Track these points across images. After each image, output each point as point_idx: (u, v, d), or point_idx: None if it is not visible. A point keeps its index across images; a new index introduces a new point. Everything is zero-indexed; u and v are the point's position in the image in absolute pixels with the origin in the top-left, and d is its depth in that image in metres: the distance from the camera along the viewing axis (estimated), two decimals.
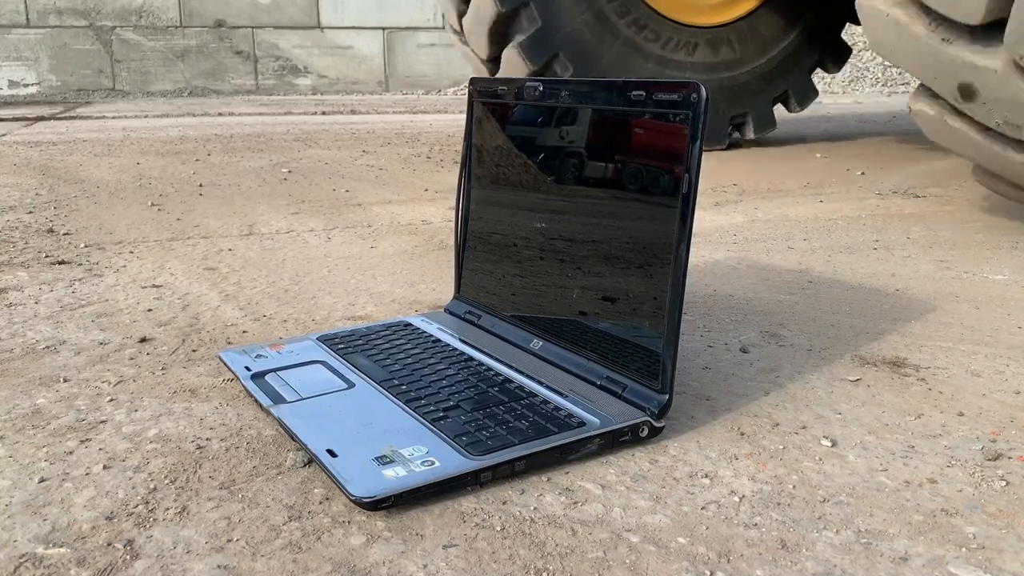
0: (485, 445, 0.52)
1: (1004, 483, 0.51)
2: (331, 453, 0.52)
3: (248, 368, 0.66)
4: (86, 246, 1.18)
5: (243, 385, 0.64)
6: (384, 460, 0.51)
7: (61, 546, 0.45)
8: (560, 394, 0.59)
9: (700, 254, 1.13)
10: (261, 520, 0.48)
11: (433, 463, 0.50)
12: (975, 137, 1.11)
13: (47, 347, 0.76)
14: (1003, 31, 0.98)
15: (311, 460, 0.53)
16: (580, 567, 0.43)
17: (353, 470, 0.49)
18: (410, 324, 0.76)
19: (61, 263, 1.08)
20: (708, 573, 0.42)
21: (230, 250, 1.16)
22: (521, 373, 0.63)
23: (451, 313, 0.78)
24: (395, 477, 0.48)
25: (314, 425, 0.56)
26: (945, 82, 1.09)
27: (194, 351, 0.75)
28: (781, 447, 0.56)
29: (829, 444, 0.57)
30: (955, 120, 1.13)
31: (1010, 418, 0.60)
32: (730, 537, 0.46)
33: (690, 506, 0.49)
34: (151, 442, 0.57)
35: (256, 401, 0.62)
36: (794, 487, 0.51)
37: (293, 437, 0.55)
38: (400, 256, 1.13)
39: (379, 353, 0.68)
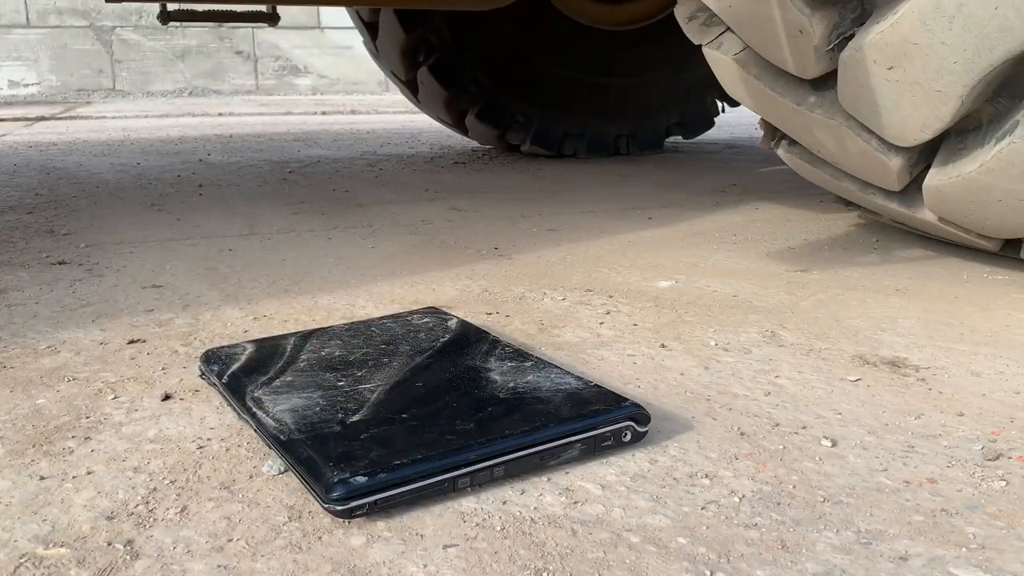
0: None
1: (1004, 483, 0.51)
2: None
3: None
4: (86, 246, 1.18)
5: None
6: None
7: (61, 546, 0.45)
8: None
9: (700, 254, 1.13)
10: (261, 520, 0.48)
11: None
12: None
13: (47, 347, 0.76)
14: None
15: None
16: (580, 567, 0.43)
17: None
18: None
19: (61, 263, 1.08)
20: (708, 573, 0.42)
21: (230, 250, 1.16)
22: None
23: None
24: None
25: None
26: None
27: (195, 351, 0.75)
28: (781, 447, 0.56)
29: (829, 444, 0.57)
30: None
31: (1010, 418, 0.61)
32: (730, 537, 0.46)
33: (690, 506, 0.49)
34: (151, 442, 0.57)
35: None
36: (794, 487, 0.51)
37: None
38: (400, 256, 1.13)
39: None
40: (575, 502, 0.49)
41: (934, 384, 0.67)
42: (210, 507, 0.49)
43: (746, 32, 1.01)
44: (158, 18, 1.86)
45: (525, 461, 0.52)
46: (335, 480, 0.47)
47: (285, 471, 0.53)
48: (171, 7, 1.83)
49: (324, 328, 0.75)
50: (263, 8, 1.98)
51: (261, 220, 1.39)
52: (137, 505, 0.49)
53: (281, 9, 2.03)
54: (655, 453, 0.55)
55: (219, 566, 0.43)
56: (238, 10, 1.98)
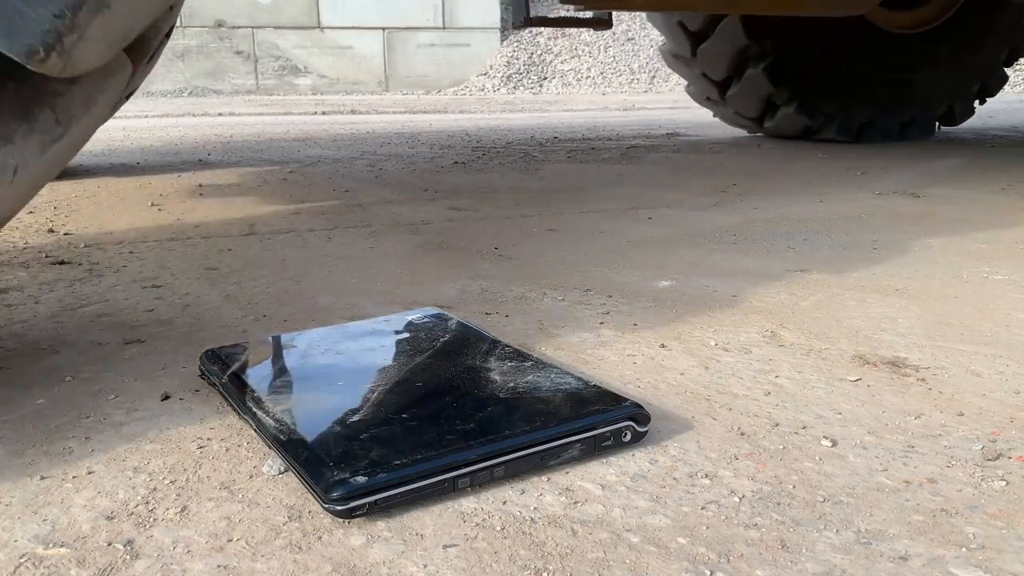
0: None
1: (1004, 483, 0.51)
2: None
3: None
4: (86, 246, 1.18)
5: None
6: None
7: (61, 546, 0.45)
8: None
9: (700, 254, 1.13)
10: (261, 520, 0.48)
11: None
12: None
13: (47, 347, 0.76)
14: None
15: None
16: (580, 567, 0.43)
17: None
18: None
19: (61, 263, 1.08)
20: (708, 573, 0.42)
21: (230, 250, 1.16)
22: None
23: None
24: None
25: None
26: None
27: (195, 351, 0.75)
28: (781, 447, 0.56)
29: (829, 444, 0.57)
30: None
31: (1010, 418, 0.61)
32: (730, 537, 0.46)
33: (690, 506, 0.49)
34: (151, 442, 0.57)
35: None
36: (794, 487, 0.51)
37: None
38: (400, 256, 1.13)
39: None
40: (575, 502, 0.49)
41: (934, 384, 0.67)
42: (210, 507, 0.49)
43: None
44: (515, 24, 2.04)
45: (525, 461, 0.52)
46: (335, 480, 0.47)
47: (285, 471, 0.53)
48: (533, 13, 2.09)
49: (325, 328, 0.75)
50: (604, 15, 2.29)
51: (261, 220, 1.39)
52: (137, 505, 0.49)
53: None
54: (655, 453, 0.55)
55: (219, 566, 0.43)
56: (582, 16, 2.25)
